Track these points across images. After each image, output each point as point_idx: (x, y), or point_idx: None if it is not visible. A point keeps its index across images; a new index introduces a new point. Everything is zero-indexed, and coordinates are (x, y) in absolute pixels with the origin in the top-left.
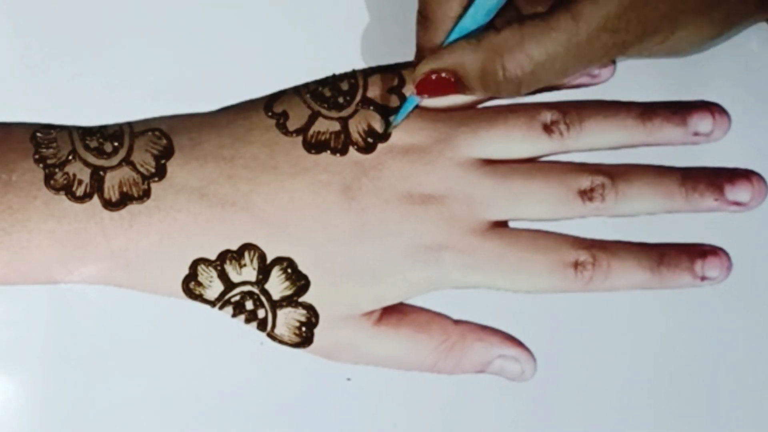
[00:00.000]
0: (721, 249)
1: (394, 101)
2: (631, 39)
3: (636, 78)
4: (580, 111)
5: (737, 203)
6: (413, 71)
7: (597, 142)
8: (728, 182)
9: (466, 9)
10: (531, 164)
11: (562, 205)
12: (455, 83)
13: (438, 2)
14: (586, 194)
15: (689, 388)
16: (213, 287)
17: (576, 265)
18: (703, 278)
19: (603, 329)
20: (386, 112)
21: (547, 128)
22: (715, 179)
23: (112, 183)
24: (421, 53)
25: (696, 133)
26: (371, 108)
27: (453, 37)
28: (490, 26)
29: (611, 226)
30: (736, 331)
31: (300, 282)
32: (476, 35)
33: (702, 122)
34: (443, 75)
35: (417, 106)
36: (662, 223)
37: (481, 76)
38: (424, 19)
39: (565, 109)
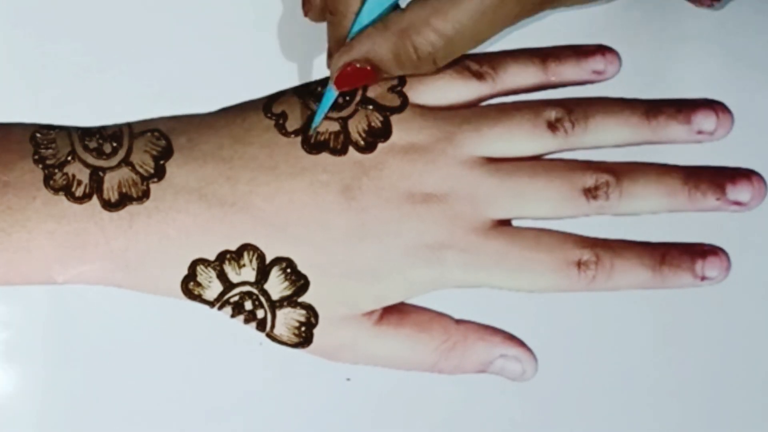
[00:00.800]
0: (720, 249)
1: (394, 100)
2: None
3: (639, 77)
4: (585, 108)
5: (738, 203)
6: (333, 63)
7: (601, 140)
8: (730, 182)
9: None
10: (535, 162)
11: (566, 203)
12: (372, 71)
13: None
14: (590, 192)
15: (690, 388)
16: (212, 287)
17: (579, 264)
18: (703, 278)
19: (604, 329)
20: (387, 112)
21: (552, 126)
22: (717, 178)
23: (111, 183)
24: (333, 49)
25: (700, 131)
26: (371, 107)
27: (358, 27)
28: (396, 7)
29: (613, 225)
30: (735, 330)
31: (299, 282)
32: (383, 20)
33: (706, 120)
34: (358, 65)
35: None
36: (663, 222)
37: (395, 59)
38: (330, 14)
39: (570, 106)
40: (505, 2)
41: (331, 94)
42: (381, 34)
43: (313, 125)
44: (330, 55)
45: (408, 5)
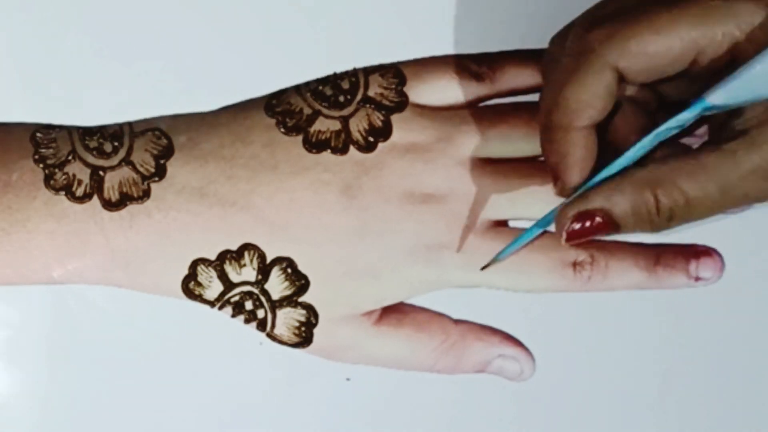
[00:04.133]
0: (714, 250)
1: (394, 100)
2: None
3: None
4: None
5: (702, 278)
6: (561, 213)
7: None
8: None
9: (594, 121)
10: (532, 164)
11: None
12: (605, 223)
13: (566, 113)
14: None
15: (687, 388)
16: (212, 287)
17: (575, 264)
18: (697, 278)
19: (601, 329)
20: (387, 111)
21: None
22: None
23: (111, 183)
24: (550, 163)
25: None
26: (372, 107)
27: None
28: (633, 164)
29: None
30: (730, 330)
31: (300, 282)
32: (621, 173)
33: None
34: (596, 216)
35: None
36: None
37: (634, 211)
38: (548, 129)
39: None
40: (755, 180)
41: (536, 230)
42: (621, 186)
43: (501, 256)
44: (548, 162)
45: (646, 162)
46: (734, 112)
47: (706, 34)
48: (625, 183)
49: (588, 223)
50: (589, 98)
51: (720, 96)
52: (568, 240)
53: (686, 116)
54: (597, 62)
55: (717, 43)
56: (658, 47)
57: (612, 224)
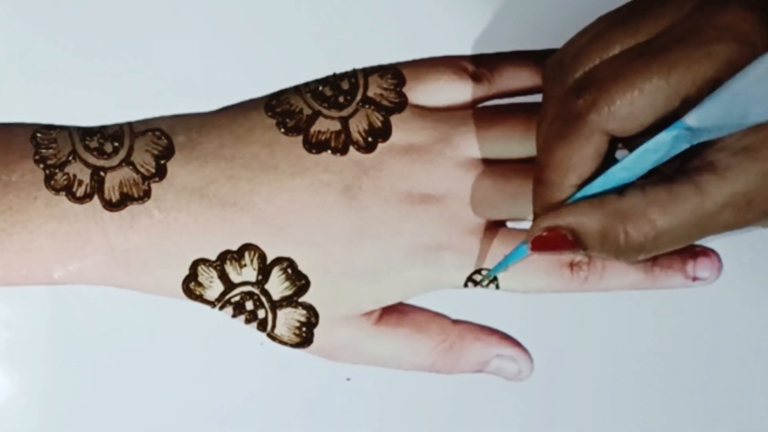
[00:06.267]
0: (711, 250)
1: (393, 100)
2: (752, 218)
3: None
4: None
5: (699, 278)
6: (534, 223)
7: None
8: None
9: (584, 182)
10: (530, 164)
11: None
12: (572, 242)
13: (557, 173)
14: None
15: (684, 387)
16: (213, 288)
17: (572, 265)
18: (694, 279)
19: (599, 329)
20: (386, 111)
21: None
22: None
23: (112, 183)
24: (538, 213)
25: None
26: (372, 107)
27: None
28: (611, 190)
29: None
30: (728, 330)
31: (300, 282)
32: (598, 197)
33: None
34: (562, 233)
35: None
36: None
37: (601, 238)
38: (541, 182)
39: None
40: (723, 212)
41: (522, 251)
42: (594, 211)
43: (492, 272)
44: (535, 217)
45: (625, 190)
46: (706, 141)
47: (688, 80)
48: (597, 210)
49: (557, 239)
50: (579, 160)
51: (696, 118)
52: (533, 249)
53: (664, 137)
54: (586, 128)
55: (699, 87)
56: (643, 106)
57: (579, 245)
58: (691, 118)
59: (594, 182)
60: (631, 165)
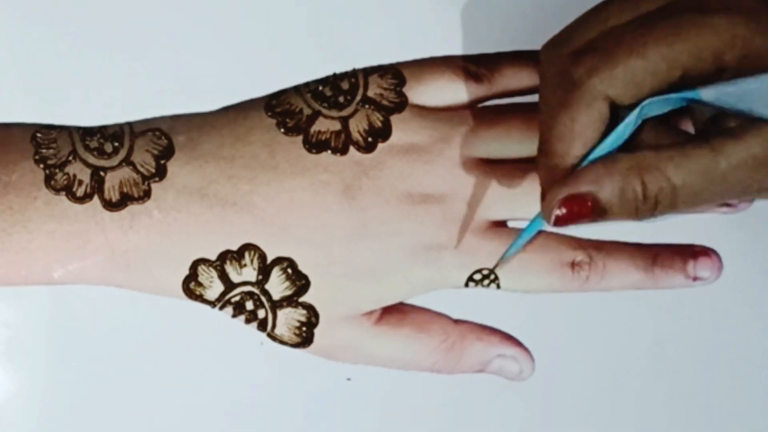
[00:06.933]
0: (712, 250)
1: (394, 100)
2: (767, 184)
3: None
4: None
5: (699, 278)
6: (549, 196)
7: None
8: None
9: (589, 150)
10: (530, 164)
11: None
12: (591, 208)
13: (561, 142)
14: None
15: (684, 387)
16: (213, 288)
17: (573, 265)
18: (695, 278)
19: (600, 329)
20: (387, 111)
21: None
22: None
23: (112, 183)
24: (546, 188)
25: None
26: (372, 107)
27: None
28: (620, 151)
29: (606, 227)
30: (729, 330)
31: (300, 282)
32: (609, 158)
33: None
34: (582, 200)
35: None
36: (656, 224)
37: (620, 196)
38: (546, 154)
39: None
40: (737, 172)
41: (538, 224)
42: (608, 170)
43: (508, 253)
44: (544, 194)
45: (633, 148)
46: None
47: (690, 50)
48: (612, 168)
49: (576, 208)
50: (582, 129)
51: (712, 94)
52: (556, 224)
53: (675, 98)
54: (586, 95)
55: (701, 58)
56: (644, 72)
57: (599, 209)
58: (708, 93)
59: (600, 144)
60: (633, 121)
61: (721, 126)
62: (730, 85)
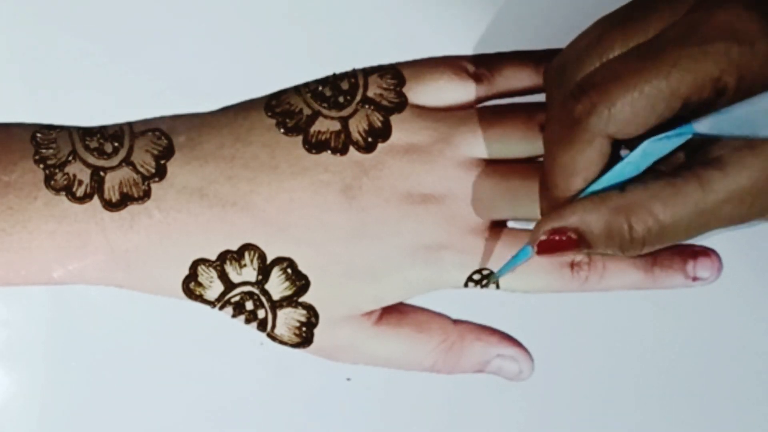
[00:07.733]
0: (711, 250)
1: (393, 100)
2: (754, 213)
3: None
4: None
5: (699, 278)
6: (537, 226)
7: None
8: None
9: (589, 183)
10: (530, 164)
11: None
12: (577, 241)
13: (561, 177)
14: None
15: (684, 387)
16: (213, 288)
17: (572, 265)
18: (694, 278)
19: (599, 329)
20: (386, 111)
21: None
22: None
23: (112, 183)
24: (545, 212)
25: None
26: (372, 107)
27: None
28: (612, 186)
29: None
30: (729, 330)
31: (300, 282)
32: (599, 195)
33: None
34: (567, 234)
35: (410, 106)
36: None
37: (606, 234)
38: (547, 185)
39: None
40: (725, 206)
41: (526, 252)
42: (597, 208)
43: (497, 276)
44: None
45: (627, 186)
46: (710, 138)
47: (688, 82)
48: (601, 206)
49: (560, 239)
50: (583, 164)
51: (706, 125)
52: (539, 252)
53: (672, 139)
54: (587, 133)
55: (700, 87)
56: (644, 108)
57: (584, 243)
58: (701, 125)
59: (598, 180)
60: (635, 160)
61: (708, 154)
62: (721, 112)
